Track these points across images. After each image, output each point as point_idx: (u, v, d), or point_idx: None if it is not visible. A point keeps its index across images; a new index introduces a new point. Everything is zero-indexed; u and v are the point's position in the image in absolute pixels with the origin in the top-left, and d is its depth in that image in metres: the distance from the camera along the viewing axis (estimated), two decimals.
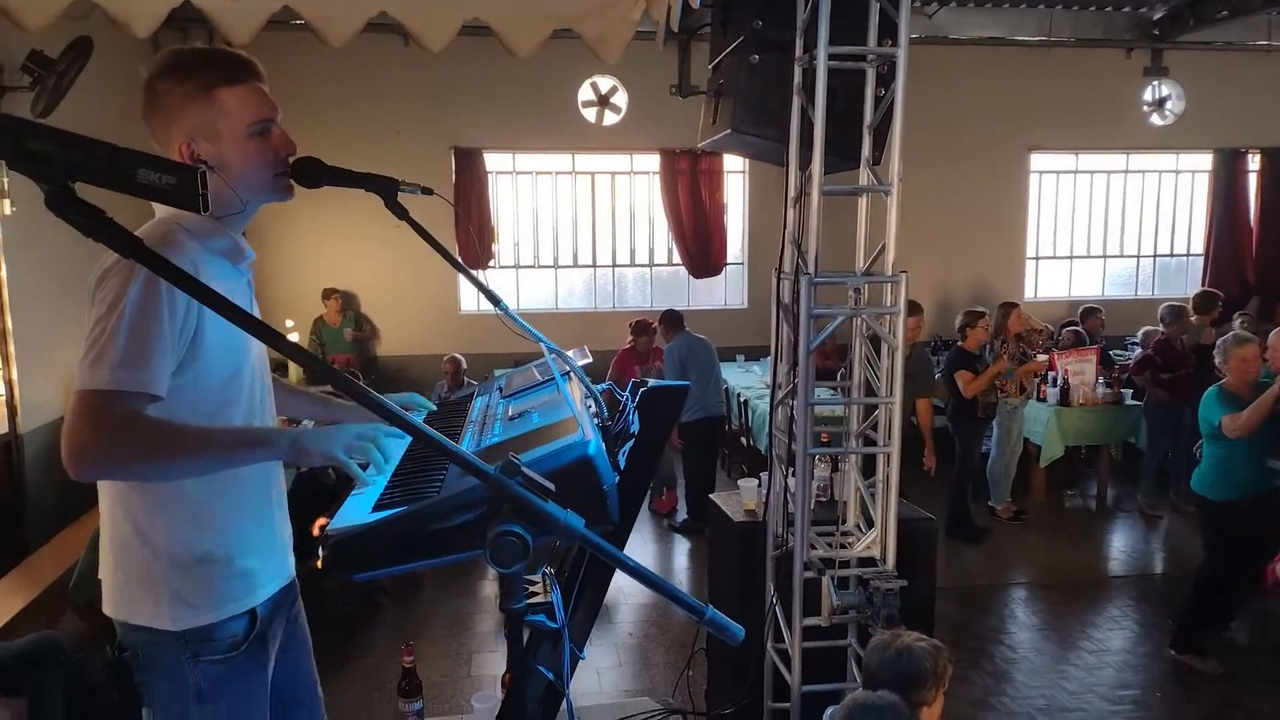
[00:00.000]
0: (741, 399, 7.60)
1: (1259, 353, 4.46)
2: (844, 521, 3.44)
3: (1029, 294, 10.20)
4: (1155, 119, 9.93)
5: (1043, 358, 6.78)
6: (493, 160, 9.25)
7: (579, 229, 9.68)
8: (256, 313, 1.85)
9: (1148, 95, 9.85)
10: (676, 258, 9.67)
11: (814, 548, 3.14)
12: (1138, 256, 10.58)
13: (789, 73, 2.98)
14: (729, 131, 3.08)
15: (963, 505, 6.39)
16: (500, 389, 2.10)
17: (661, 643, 4.83)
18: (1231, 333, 4.60)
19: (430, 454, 1.61)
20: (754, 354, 8.91)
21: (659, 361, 6.92)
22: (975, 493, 6.66)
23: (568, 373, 1.91)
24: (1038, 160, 10.09)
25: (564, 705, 1.69)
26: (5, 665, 3.42)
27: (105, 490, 1.71)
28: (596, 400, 1.81)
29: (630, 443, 1.81)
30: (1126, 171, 10.36)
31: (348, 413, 2.06)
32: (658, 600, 5.13)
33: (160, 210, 1.68)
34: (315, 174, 1.75)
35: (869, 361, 3.26)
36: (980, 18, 8.92)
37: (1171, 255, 10.62)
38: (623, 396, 1.89)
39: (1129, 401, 7.14)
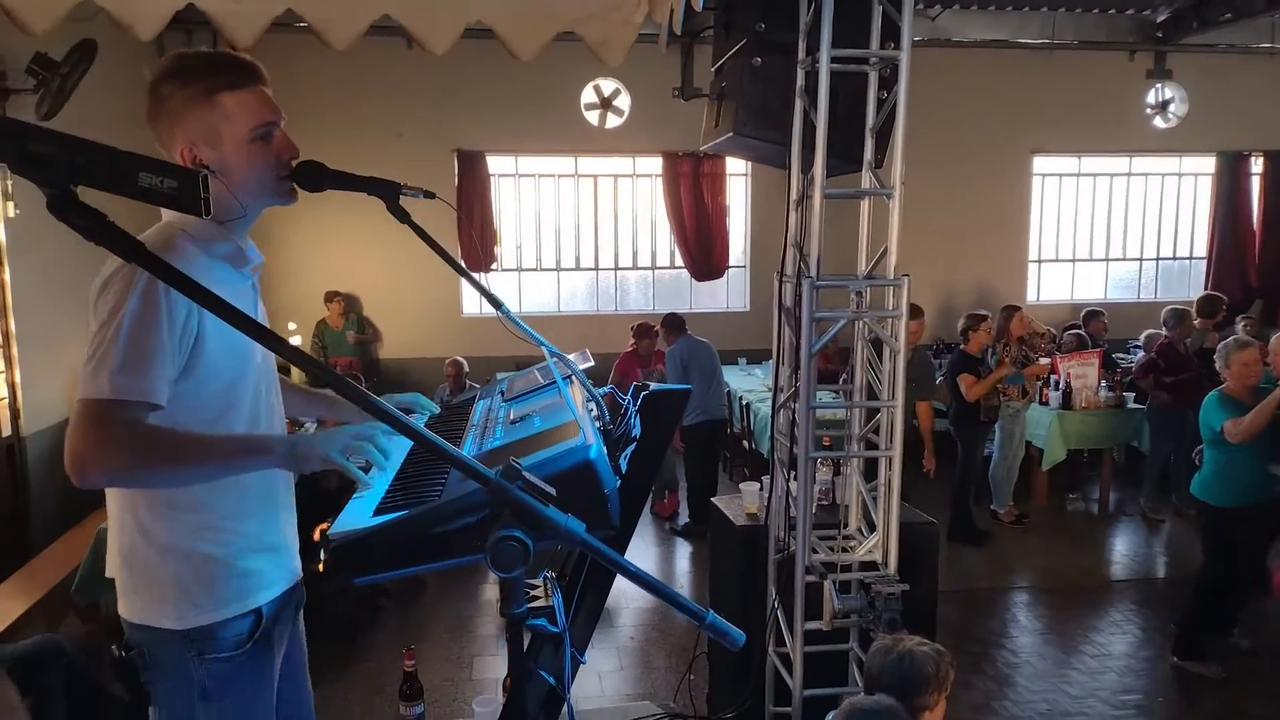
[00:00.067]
0: (743, 402, 7.60)
1: (1260, 357, 4.44)
2: (846, 525, 3.43)
3: (1031, 297, 10.19)
4: (1158, 122, 9.92)
5: (1045, 361, 6.77)
6: (495, 163, 9.26)
7: (581, 232, 9.69)
8: (263, 316, 1.86)
9: (1150, 98, 9.84)
10: (679, 260, 9.67)
11: (815, 551, 3.14)
12: (1140, 260, 10.57)
13: (791, 75, 2.98)
14: (731, 134, 3.08)
15: (965, 509, 6.38)
16: (502, 392, 2.10)
17: (663, 646, 4.83)
18: (1232, 337, 4.58)
19: (432, 458, 1.62)
20: (756, 357, 8.90)
21: (661, 364, 6.92)
22: (977, 496, 6.65)
23: (569, 376, 1.91)
24: (1040, 163, 10.08)
25: (565, 709, 1.69)
26: (8, 668, 3.42)
27: (113, 491, 1.72)
28: (598, 404, 1.81)
29: (632, 446, 1.81)
30: (1129, 174, 10.35)
31: (355, 412, 2.05)
32: (659, 604, 5.13)
33: (166, 214, 1.69)
34: (318, 177, 1.75)
35: (871, 365, 3.25)
36: (983, 20, 8.92)
37: (1174, 258, 10.61)
38: (624, 400, 1.89)
39: (1131, 405, 7.13)
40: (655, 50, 4.65)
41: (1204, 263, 10.41)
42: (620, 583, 1.26)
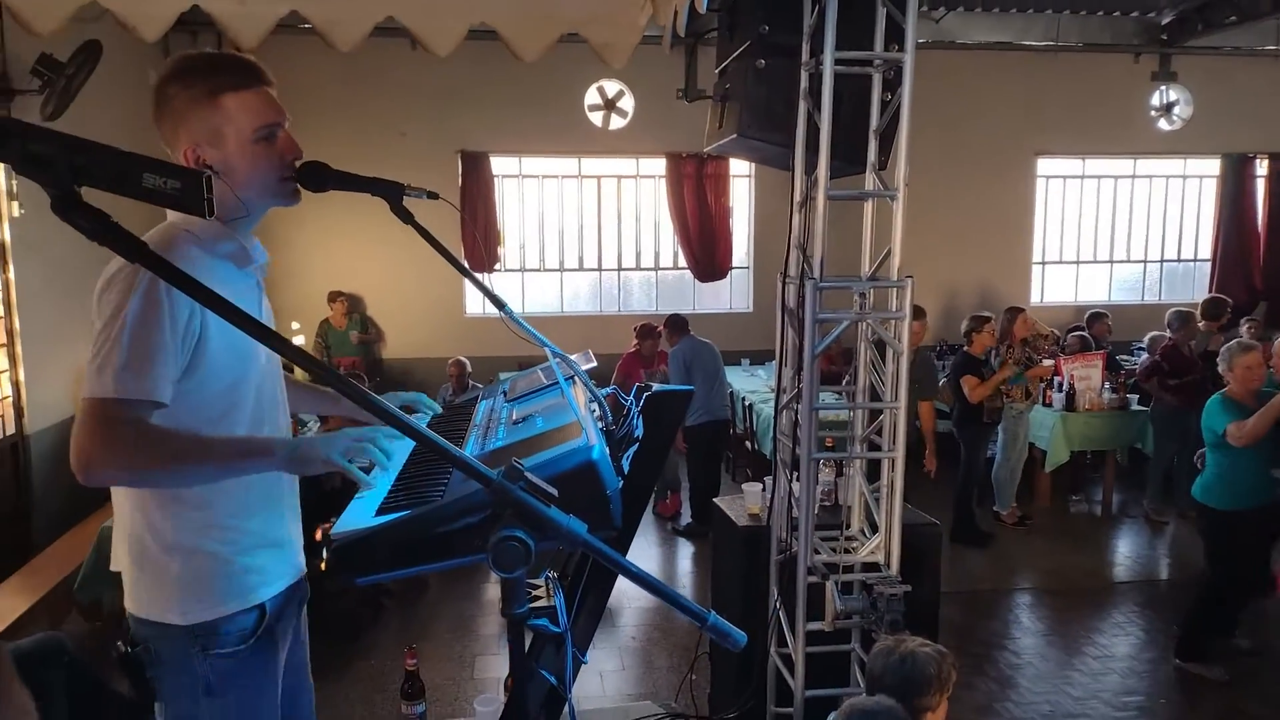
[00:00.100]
0: (746, 403, 7.60)
1: (1263, 360, 4.43)
2: (848, 526, 3.43)
3: (1035, 299, 10.18)
4: (1163, 124, 9.91)
5: (1049, 363, 6.76)
6: (499, 164, 9.27)
7: (584, 232, 9.69)
8: (268, 315, 1.87)
9: (1155, 100, 9.83)
10: (682, 261, 9.68)
11: (818, 552, 3.14)
12: (1144, 262, 10.56)
13: (795, 77, 2.98)
14: (735, 136, 3.08)
15: (968, 510, 6.38)
16: (505, 393, 2.10)
17: (665, 646, 4.83)
18: (1235, 340, 4.56)
19: (434, 458, 1.62)
20: (759, 358, 8.90)
21: (664, 365, 6.92)
22: (980, 498, 6.64)
23: (572, 377, 1.91)
24: (1044, 165, 10.07)
25: (566, 709, 1.70)
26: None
27: (119, 489, 1.74)
28: (601, 404, 1.81)
29: (634, 447, 1.81)
30: (1134, 176, 10.34)
31: (359, 409, 2.06)
32: (661, 604, 5.12)
33: (171, 214, 1.70)
34: (321, 178, 1.75)
35: (874, 366, 3.25)
36: (987, 23, 8.91)
37: (1179, 260, 10.59)
38: (627, 401, 1.89)
39: (1135, 407, 7.12)
40: (659, 52, 4.66)
41: (1208, 265, 10.40)
42: (622, 582, 1.26)
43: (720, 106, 3.27)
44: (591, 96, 9.03)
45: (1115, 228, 10.41)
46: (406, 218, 1.91)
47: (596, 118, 9.10)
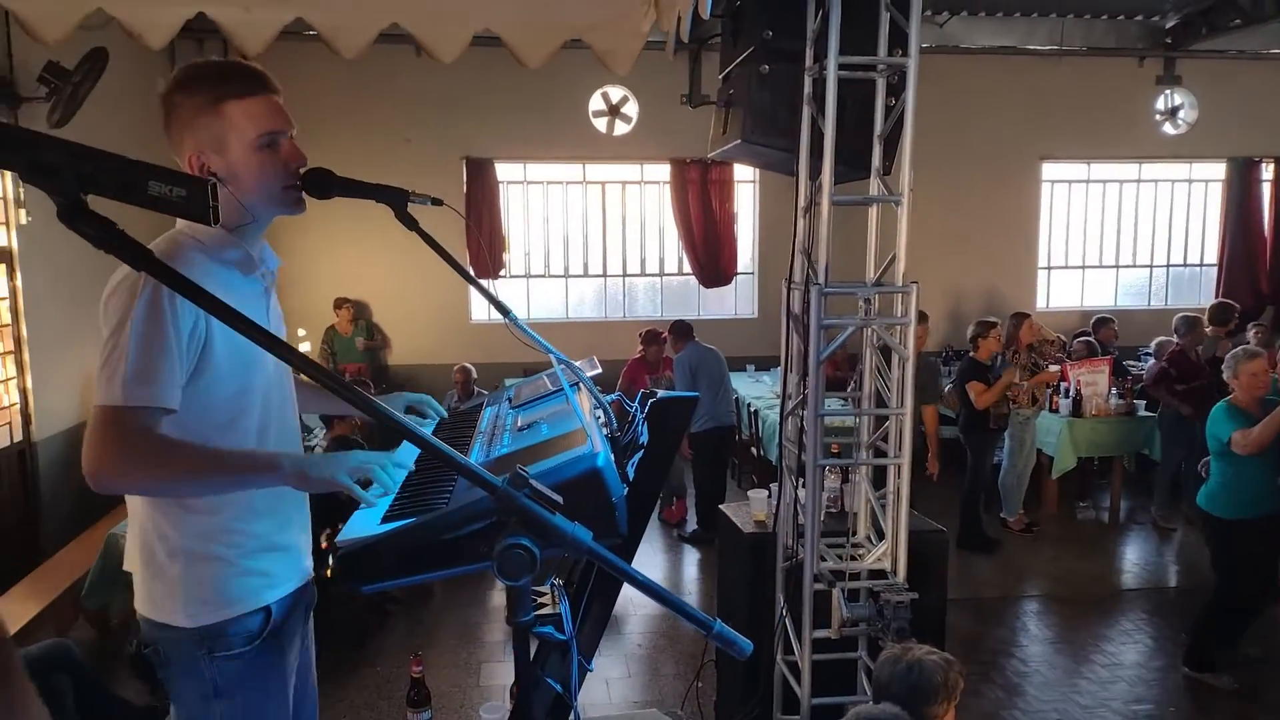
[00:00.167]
0: (751, 409, 7.59)
1: (1269, 367, 4.39)
2: (854, 533, 3.42)
3: (1041, 304, 10.16)
4: (1168, 128, 9.89)
5: (1055, 368, 6.74)
6: (504, 170, 9.29)
7: (589, 238, 9.70)
8: (278, 320, 1.88)
9: (1160, 104, 9.81)
10: (687, 267, 9.68)
11: (824, 559, 3.13)
12: (1150, 266, 10.53)
13: (799, 83, 2.98)
14: (739, 141, 3.08)
15: (974, 517, 6.35)
16: (510, 399, 2.11)
17: (671, 654, 4.82)
18: (1241, 347, 4.52)
19: (439, 465, 1.62)
20: (764, 364, 8.89)
21: (669, 371, 6.92)
22: (987, 504, 6.61)
23: (577, 383, 1.91)
24: (1049, 169, 10.06)
25: (572, 716, 1.69)
26: None
27: None
28: (606, 411, 1.81)
29: (639, 454, 1.81)
30: (1139, 181, 10.32)
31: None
32: (667, 611, 5.11)
33: (179, 222, 1.71)
34: (326, 185, 1.76)
35: (879, 372, 3.24)
36: (991, 27, 8.91)
37: (1185, 265, 10.56)
38: (632, 407, 1.89)
39: (1142, 413, 7.09)
40: (663, 58, 4.65)
41: (1215, 269, 10.37)
42: (628, 589, 1.26)
43: (724, 112, 3.27)
44: (596, 102, 9.05)
45: (1121, 232, 10.38)
46: (411, 224, 1.91)
47: (601, 123, 9.12)
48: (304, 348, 8.64)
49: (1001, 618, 5.28)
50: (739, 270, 9.73)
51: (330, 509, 4.45)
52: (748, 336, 9.43)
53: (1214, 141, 9.93)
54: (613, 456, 1.48)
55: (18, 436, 5.62)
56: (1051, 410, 6.97)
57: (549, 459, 1.44)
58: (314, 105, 7.99)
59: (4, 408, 5.52)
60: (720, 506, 3.87)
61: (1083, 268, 10.41)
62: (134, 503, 1.76)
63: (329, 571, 1.44)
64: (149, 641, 1.77)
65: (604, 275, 9.81)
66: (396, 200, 1.86)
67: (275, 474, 1.57)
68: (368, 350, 8.91)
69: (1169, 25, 9.06)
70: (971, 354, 6.35)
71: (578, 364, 2.01)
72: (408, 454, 1.69)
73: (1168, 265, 10.53)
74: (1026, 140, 9.73)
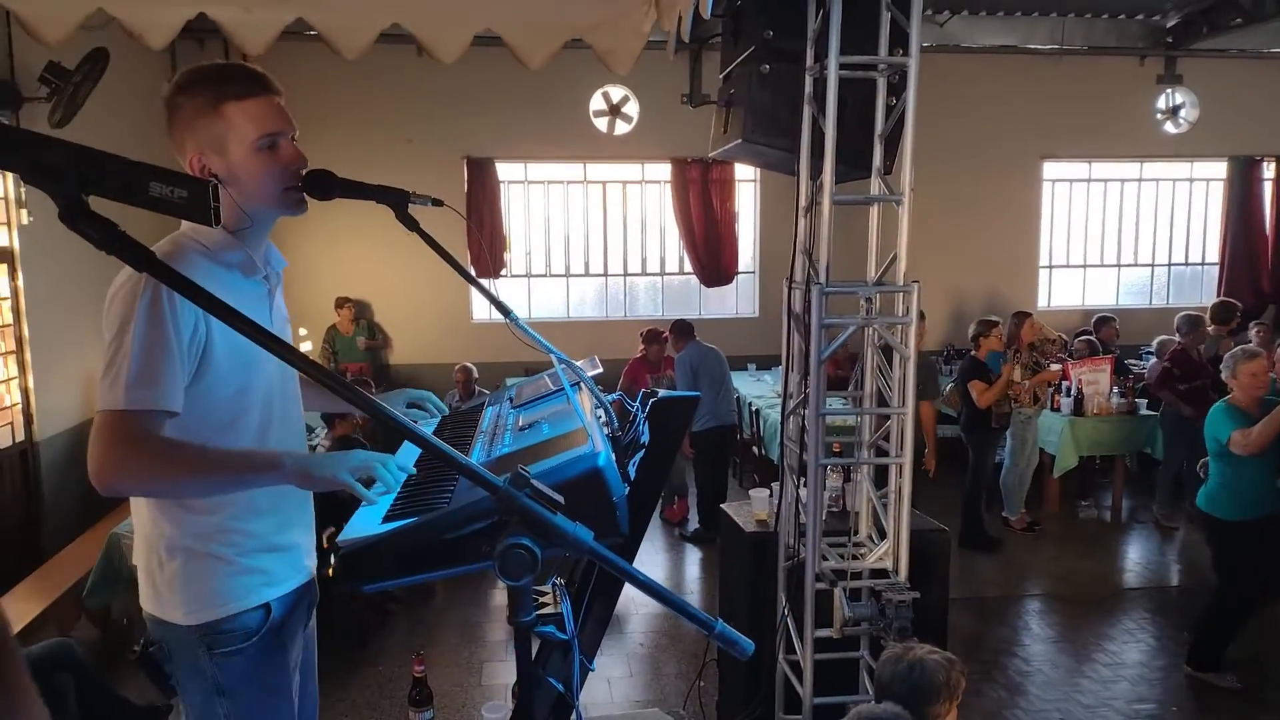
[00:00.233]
0: (753, 408, 7.59)
1: (1268, 367, 4.38)
2: (856, 532, 3.42)
3: (1042, 303, 10.15)
4: (1169, 127, 9.88)
5: (1056, 367, 6.74)
6: (504, 169, 9.29)
7: (590, 238, 9.70)
8: (284, 322, 1.88)
9: (1161, 103, 9.81)
10: (688, 266, 9.68)
11: (826, 559, 3.13)
12: (1152, 265, 10.52)
13: (800, 82, 2.98)
14: (740, 141, 3.08)
15: (976, 516, 6.35)
16: (511, 399, 2.11)
17: (673, 653, 4.82)
18: (1240, 346, 4.51)
19: (441, 465, 1.62)
20: (765, 363, 8.90)
21: (670, 370, 6.92)
22: (988, 503, 6.61)
23: (578, 383, 1.91)
24: (1051, 169, 10.05)
25: (574, 716, 1.69)
26: None
27: None
28: (607, 411, 1.81)
29: (640, 453, 1.81)
30: (1140, 180, 10.31)
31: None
32: (669, 610, 5.12)
33: (184, 224, 1.71)
34: (327, 186, 1.76)
35: (881, 371, 3.24)
36: (992, 26, 8.91)
37: (1186, 264, 10.55)
38: (633, 407, 1.89)
39: (1144, 412, 7.09)
40: (663, 57, 4.66)
41: (1216, 268, 10.36)
42: (630, 588, 1.26)
43: (725, 112, 3.27)
44: (596, 102, 9.05)
45: (1122, 231, 10.37)
46: (412, 225, 1.92)
47: (601, 123, 9.12)
48: (305, 347, 8.65)
49: (1003, 617, 5.28)
50: (740, 270, 9.73)
51: (332, 507, 4.45)
52: (749, 336, 9.43)
53: (1215, 140, 9.92)
54: (614, 456, 1.49)
55: (19, 436, 5.63)
56: (1053, 409, 6.97)
57: (550, 458, 1.45)
58: (315, 105, 7.99)
59: (6, 408, 5.52)
60: (722, 506, 3.87)
61: (1084, 267, 10.40)
62: (137, 502, 1.77)
63: (330, 571, 1.44)
64: (155, 639, 1.79)
65: (605, 275, 9.81)
66: (397, 201, 1.86)
67: (277, 472, 1.58)
68: (369, 350, 8.92)
69: (1170, 24, 9.05)
70: (973, 353, 6.35)
71: (579, 363, 2.01)
72: (409, 453, 1.70)
73: (1169, 264, 10.53)
74: (1027, 139, 9.73)
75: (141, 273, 1.14)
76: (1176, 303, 9.93)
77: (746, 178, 9.60)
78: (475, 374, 7.16)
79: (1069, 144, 9.86)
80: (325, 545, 4.06)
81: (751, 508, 3.63)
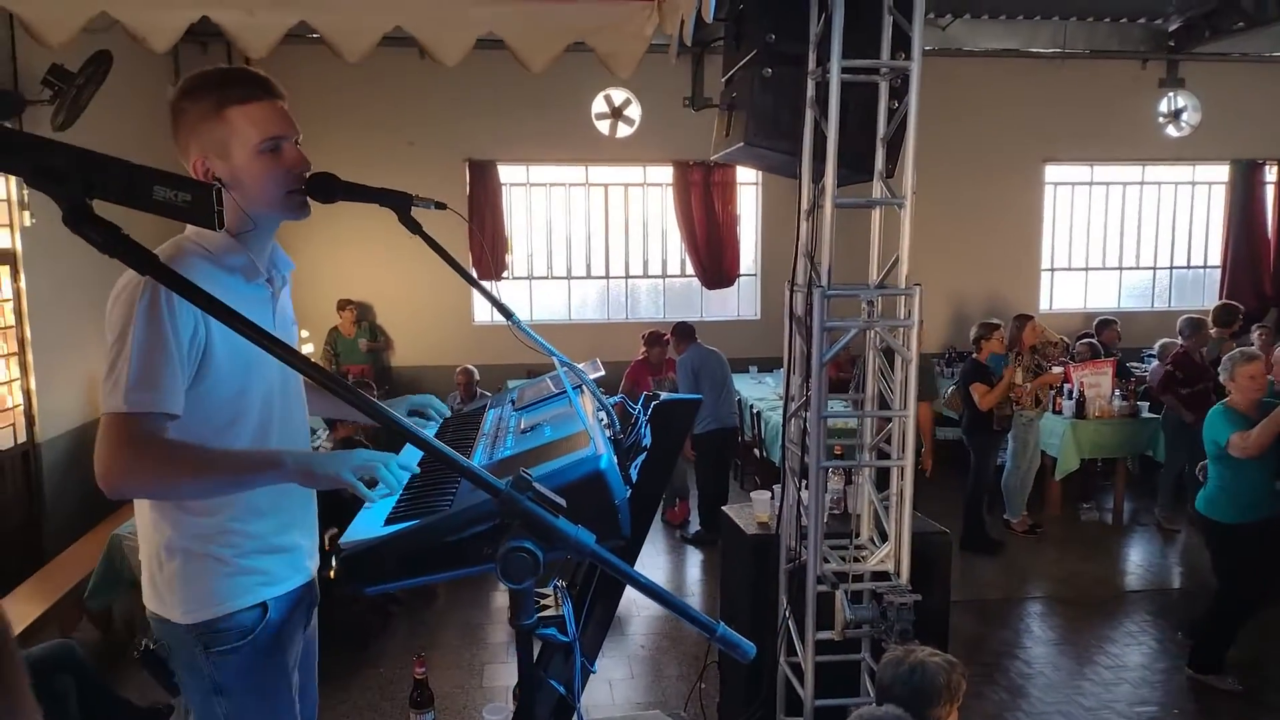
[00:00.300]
0: (754, 410, 7.59)
1: (1265, 370, 4.37)
2: (857, 535, 3.42)
3: (1044, 306, 10.15)
4: (1171, 130, 9.88)
5: (1058, 370, 6.74)
6: (506, 172, 9.30)
7: (592, 240, 9.71)
8: (289, 325, 1.90)
9: (1163, 106, 9.81)
10: (689, 269, 9.68)
11: (827, 561, 3.13)
12: (1154, 268, 10.52)
13: (802, 86, 2.98)
14: (742, 144, 3.08)
15: (978, 518, 6.35)
16: (513, 401, 2.11)
17: (674, 655, 4.82)
18: (1238, 349, 4.50)
19: (443, 468, 1.62)
20: (767, 365, 8.90)
21: (672, 372, 6.92)
22: (990, 505, 6.61)
23: (580, 385, 1.91)
24: (1052, 172, 10.05)
25: (575, 718, 1.69)
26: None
27: None
28: (609, 413, 1.81)
29: (642, 456, 1.81)
30: (1142, 183, 10.31)
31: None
32: (670, 613, 5.12)
33: (189, 228, 1.72)
34: (330, 190, 1.76)
35: (882, 374, 3.25)
36: (994, 30, 8.91)
37: (1188, 267, 10.55)
38: (635, 409, 1.89)
39: (1145, 414, 7.08)
40: (665, 60, 4.66)
41: (1218, 271, 10.36)
42: (631, 590, 1.26)
43: (727, 115, 3.28)
44: (598, 105, 9.06)
45: (1124, 234, 10.37)
46: (414, 228, 1.92)
47: (604, 126, 9.12)
48: (307, 349, 8.66)
49: (1005, 619, 5.28)
50: (741, 272, 9.74)
51: (333, 507, 4.45)
52: (750, 338, 9.43)
53: (1217, 144, 9.92)
54: (616, 459, 1.49)
55: (21, 438, 5.64)
56: (1055, 412, 6.96)
57: (552, 461, 1.45)
58: (317, 108, 8.00)
59: (8, 409, 5.53)
60: (723, 508, 3.87)
61: (1086, 270, 10.40)
62: (140, 504, 1.79)
63: (332, 573, 1.44)
64: (158, 637, 1.81)
65: (606, 277, 9.81)
66: (400, 204, 1.87)
67: (279, 471, 1.59)
68: (371, 352, 8.93)
69: (1172, 28, 9.05)
70: (974, 355, 6.35)
71: (581, 366, 2.01)
72: (412, 454, 1.70)
73: (1171, 267, 10.52)
74: (1029, 142, 9.73)
75: (142, 276, 1.15)
76: (1178, 306, 9.92)
77: (748, 181, 9.60)
78: (477, 376, 7.17)
79: (1071, 147, 9.86)
80: (327, 546, 4.07)
81: (753, 510, 3.63)
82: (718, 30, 3.47)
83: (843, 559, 3.23)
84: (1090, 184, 10.24)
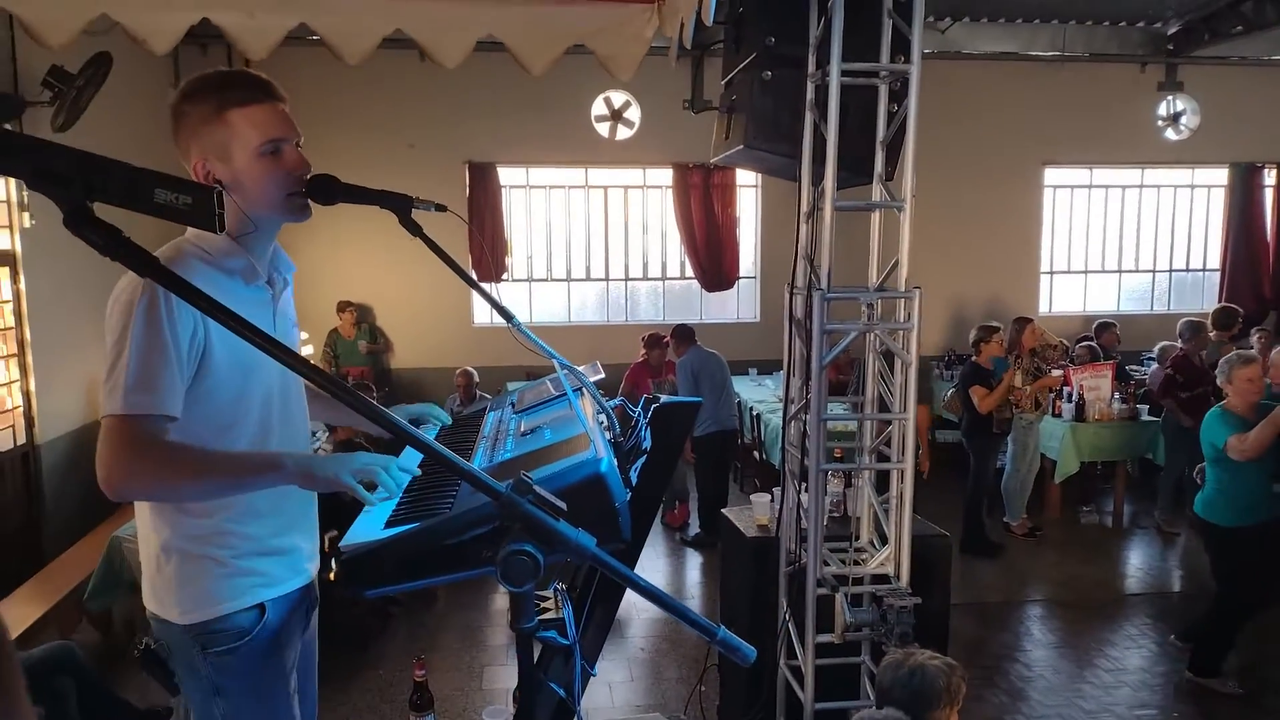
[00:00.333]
0: (754, 413, 7.59)
1: (1263, 373, 4.37)
2: (857, 537, 3.42)
3: (1044, 309, 10.15)
4: (1170, 134, 9.89)
5: (1058, 373, 6.74)
6: (506, 174, 9.30)
7: (591, 243, 9.71)
8: (291, 327, 1.90)
9: (1162, 110, 9.82)
10: (689, 271, 9.68)
11: (827, 564, 3.13)
12: (1153, 271, 10.52)
13: (801, 88, 2.99)
14: (741, 147, 3.09)
15: (977, 521, 6.35)
16: (513, 404, 2.11)
17: (674, 658, 4.81)
18: (1235, 352, 4.50)
19: (443, 470, 1.62)
20: (766, 368, 8.90)
21: (672, 375, 6.92)
22: (990, 509, 6.61)
23: (580, 388, 1.91)
24: (1052, 175, 10.06)
25: None
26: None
27: None
28: (609, 416, 1.81)
29: (642, 459, 1.81)
30: (1141, 186, 10.31)
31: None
32: (670, 616, 5.11)
33: (189, 230, 1.72)
34: (330, 192, 1.76)
35: (882, 376, 3.25)
36: (993, 33, 8.92)
37: (1187, 270, 10.55)
38: (635, 412, 1.89)
39: (1145, 417, 7.08)
40: (665, 63, 4.66)
41: (1217, 274, 10.36)
42: (631, 593, 1.26)
43: (727, 118, 3.28)
44: (598, 107, 9.07)
45: (1123, 237, 10.38)
46: (415, 230, 1.92)
47: (603, 128, 9.13)
48: (307, 351, 8.65)
49: (1005, 622, 5.28)
50: (741, 275, 9.74)
51: (333, 510, 4.45)
52: (750, 340, 9.43)
53: (1216, 147, 9.93)
54: (616, 461, 1.49)
55: (21, 439, 5.63)
56: (1054, 415, 6.96)
57: (552, 464, 1.45)
58: (317, 110, 7.99)
59: (7, 411, 5.53)
60: (723, 511, 3.87)
61: (1085, 273, 10.40)
62: (140, 505, 1.79)
63: (331, 575, 1.44)
64: (158, 638, 1.81)
65: (606, 279, 9.81)
66: (400, 206, 1.87)
67: (279, 473, 1.59)
68: (370, 354, 8.92)
69: (1171, 31, 9.06)
70: (974, 358, 6.35)
71: (581, 368, 2.01)
72: (411, 457, 1.70)
73: (1170, 270, 10.52)
74: (1029, 146, 9.73)
75: (141, 278, 1.14)
76: (1178, 309, 9.92)
77: (748, 183, 9.60)
78: (476, 378, 7.16)
79: (1070, 150, 9.87)
80: (327, 549, 4.07)
81: (753, 513, 3.63)
82: (717, 33, 3.48)
83: (842, 562, 3.23)
84: (1089, 187, 10.24)
